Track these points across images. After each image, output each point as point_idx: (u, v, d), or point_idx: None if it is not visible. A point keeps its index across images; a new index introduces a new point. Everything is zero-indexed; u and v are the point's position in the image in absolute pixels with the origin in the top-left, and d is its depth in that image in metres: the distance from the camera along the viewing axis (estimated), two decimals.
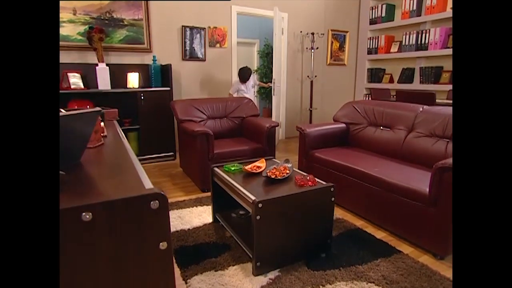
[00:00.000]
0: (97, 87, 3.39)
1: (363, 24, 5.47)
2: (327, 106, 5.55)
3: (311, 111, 5.17)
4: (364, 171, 2.23)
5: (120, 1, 3.54)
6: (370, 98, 4.27)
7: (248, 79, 4.07)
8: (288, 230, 1.67)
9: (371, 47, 5.42)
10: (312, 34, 4.91)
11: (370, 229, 2.15)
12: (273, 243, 1.64)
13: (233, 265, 1.73)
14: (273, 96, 4.46)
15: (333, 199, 1.77)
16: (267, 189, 1.73)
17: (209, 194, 2.74)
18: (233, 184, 1.80)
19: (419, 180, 1.97)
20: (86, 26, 3.40)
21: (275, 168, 1.93)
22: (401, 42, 4.92)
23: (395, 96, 3.58)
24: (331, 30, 5.26)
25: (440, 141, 2.29)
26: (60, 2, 3.24)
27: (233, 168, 1.99)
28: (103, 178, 0.88)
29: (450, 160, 1.71)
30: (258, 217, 1.55)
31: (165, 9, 3.84)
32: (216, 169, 2.07)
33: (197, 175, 2.84)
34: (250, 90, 4.23)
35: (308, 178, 1.81)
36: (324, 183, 1.80)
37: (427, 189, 1.82)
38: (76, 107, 3.26)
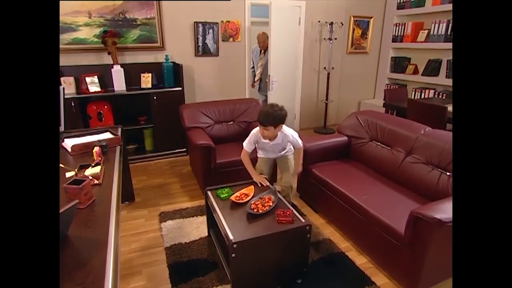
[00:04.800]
0: (113, 88, 3.59)
1: (390, 8, 5.11)
2: (346, 97, 5.42)
3: (326, 104, 5.09)
4: (352, 198, 2.30)
5: (132, 1, 3.59)
6: (384, 99, 4.12)
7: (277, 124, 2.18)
8: (264, 263, 1.84)
9: (396, 34, 5.09)
10: (331, 23, 4.69)
11: (353, 254, 2.27)
12: (249, 274, 1.82)
13: (216, 286, 1.95)
14: (268, 91, 4.43)
15: (308, 235, 1.89)
16: (246, 225, 1.87)
17: None
18: (219, 216, 1.96)
19: (402, 216, 2.01)
20: (102, 28, 3.53)
21: (260, 199, 2.06)
22: (429, 30, 4.58)
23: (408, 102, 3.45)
24: (353, 17, 4.98)
25: (435, 170, 2.28)
26: (76, 6, 3.37)
27: (222, 196, 2.15)
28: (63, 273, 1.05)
29: (426, 210, 1.74)
30: (233, 255, 1.72)
31: (176, 6, 3.84)
32: (209, 193, 2.24)
33: (201, 180, 3.04)
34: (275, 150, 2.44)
35: (287, 213, 1.93)
36: (302, 220, 1.91)
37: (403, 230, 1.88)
38: (94, 108, 3.51)
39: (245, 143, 2.38)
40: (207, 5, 3.99)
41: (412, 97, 4.78)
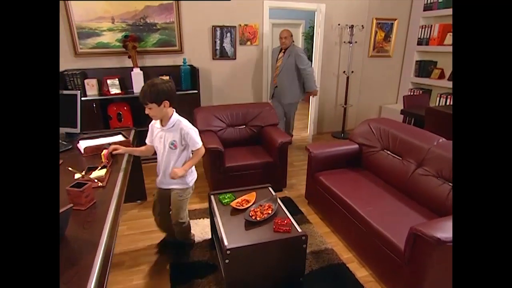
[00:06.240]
0: (133, 90, 3.75)
1: (416, 10, 4.91)
2: (366, 101, 5.29)
3: (344, 108, 5.00)
4: (355, 208, 2.25)
5: (153, 6, 3.72)
6: (403, 106, 3.97)
7: None
8: (259, 271, 1.85)
9: (422, 37, 4.89)
10: (351, 26, 4.59)
11: (354, 266, 2.23)
12: (243, 280, 1.85)
13: None
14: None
15: (304, 246, 1.88)
16: (243, 232, 1.90)
17: None
18: (218, 221, 2.01)
19: (405, 231, 1.94)
20: (124, 33, 3.69)
21: (260, 206, 2.08)
22: None
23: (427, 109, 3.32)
24: (376, 19, 4.84)
25: (445, 184, 2.18)
26: (100, 12, 3.55)
27: (224, 201, 2.19)
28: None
29: (427, 227, 1.68)
30: (227, 261, 1.76)
31: (195, 11, 3.93)
32: (212, 197, 2.29)
33: (210, 183, 3.11)
34: None
35: (285, 222, 1.93)
36: (299, 230, 1.91)
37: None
38: (114, 109, 3.69)
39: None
40: (225, 9, 4.05)
41: (437, 104, 4.57)
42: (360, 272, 2.17)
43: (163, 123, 1.95)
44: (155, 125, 2.02)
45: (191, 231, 2.42)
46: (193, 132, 1.97)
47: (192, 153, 2.08)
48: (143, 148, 2.13)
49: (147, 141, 2.12)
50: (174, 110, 1.97)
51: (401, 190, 2.47)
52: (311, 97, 4.59)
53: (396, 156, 2.64)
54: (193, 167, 2.15)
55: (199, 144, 2.00)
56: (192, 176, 2.16)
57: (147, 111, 1.87)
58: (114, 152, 2.02)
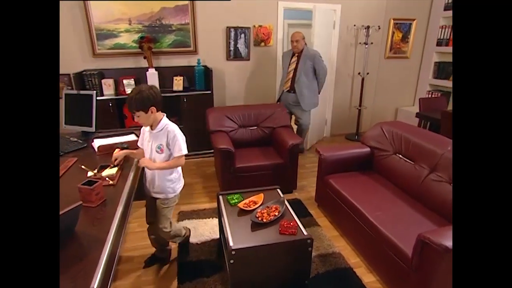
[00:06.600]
0: None
1: (436, 10, 4.78)
2: (382, 103, 5.19)
3: (359, 110, 4.92)
4: (363, 212, 2.23)
5: (169, 8, 3.79)
6: (419, 109, 3.87)
7: None
8: (263, 272, 1.86)
9: (442, 37, 4.76)
10: (367, 27, 4.51)
11: (361, 271, 2.20)
12: (247, 281, 1.86)
13: None
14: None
15: (310, 249, 1.87)
16: (249, 233, 1.91)
17: None
18: (225, 221, 2.03)
19: (414, 238, 1.91)
20: (140, 34, 3.78)
21: (267, 207, 2.09)
22: None
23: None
24: (394, 19, 4.74)
25: None
26: (118, 14, 3.65)
27: (232, 202, 2.21)
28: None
29: (435, 235, 1.64)
30: (231, 261, 1.77)
31: (210, 12, 3.98)
32: (220, 197, 2.31)
33: (221, 183, 3.15)
34: None
35: (291, 224, 1.93)
36: (305, 233, 1.90)
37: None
38: None
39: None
40: (240, 10, 4.07)
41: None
42: (368, 277, 2.14)
43: (152, 127, 1.91)
44: (145, 128, 1.98)
45: (183, 230, 2.28)
46: (180, 138, 1.89)
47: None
48: (140, 150, 2.07)
49: (139, 143, 2.08)
50: (165, 115, 1.93)
51: (412, 196, 2.41)
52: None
53: (408, 160, 2.58)
54: (181, 175, 2.08)
55: (183, 152, 1.89)
56: (179, 184, 2.07)
57: (136, 119, 1.84)
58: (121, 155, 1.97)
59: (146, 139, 1.97)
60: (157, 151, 1.91)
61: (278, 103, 4.02)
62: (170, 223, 2.10)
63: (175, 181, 2.02)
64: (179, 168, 2.04)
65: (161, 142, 1.89)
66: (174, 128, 1.90)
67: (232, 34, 4.13)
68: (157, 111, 1.85)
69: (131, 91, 1.82)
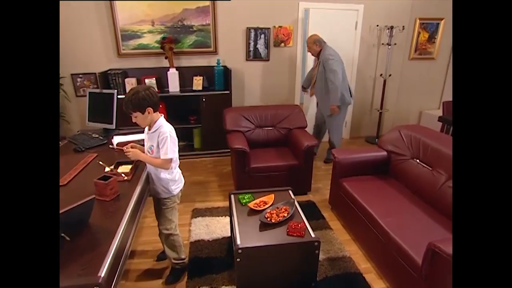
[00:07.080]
0: (168, 89, 3.95)
1: None
2: (405, 106, 5.04)
3: (380, 113, 4.80)
4: (374, 217, 2.19)
5: (190, 9, 3.88)
6: (442, 112, 3.72)
7: None
8: (270, 272, 1.88)
9: None
10: (391, 28, 4.39)
11: (371, 276, 2.16)
12: (254, 280, 1.89)
13: (226, 286, 2.06)
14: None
15: (317, 251, 1.87)
16: (257, 233, 1.94)
17: None
18: (234, 220, 2.07)
19: (425, 246, 1.86)
20: (162, 35, 3.90)
21: (276, 208, 2.10)
22: None
23: None
24: (419, 19, 4.59)
25: None
26: (141, 15, 3.79)
27: (243, 201, 2.24)
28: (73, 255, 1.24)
29: (446, 244, 1.59)
30: (238, 260, 1.81)
31: (231, 13, 4.03)
32: (232, 196, 2.35)
33: (235, 182, 3.19)
34: None
35: (299, 226, 1.94)
36: (312, 235, 1.90)
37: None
38: None
39: None
40: (260, 11, 4.09)
41: None
42: (377, 283, 2.11)
43: (150, 127, 1.91)
44: (146, 129, 1.98)
45: (183, 253, 2.17)
46: (169, 140, 1.83)
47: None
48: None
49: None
50: (162, 116, 1.91)
51: (428, 202, 2.34)
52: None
53: (426, 166, 2.50)
54: (180, 175, 2.07)
55: (168, 156, 1.83)
56: (176, 186, 2.02)
57: (133, 120, 1.84)
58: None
59: (145, 140, 1.99)
60: (148, 152, 1.92)
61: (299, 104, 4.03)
62: (175, 226, 2.08)
63: (170, 182, 1.97)
64: (177, 169, 2.02)
65: (152, 143, 1.89)
66: (167, 129, 1.85)
67: (252, 34, 4.16)
68: (154, 111, 1.84)
69: (128, 92, 1.82)
